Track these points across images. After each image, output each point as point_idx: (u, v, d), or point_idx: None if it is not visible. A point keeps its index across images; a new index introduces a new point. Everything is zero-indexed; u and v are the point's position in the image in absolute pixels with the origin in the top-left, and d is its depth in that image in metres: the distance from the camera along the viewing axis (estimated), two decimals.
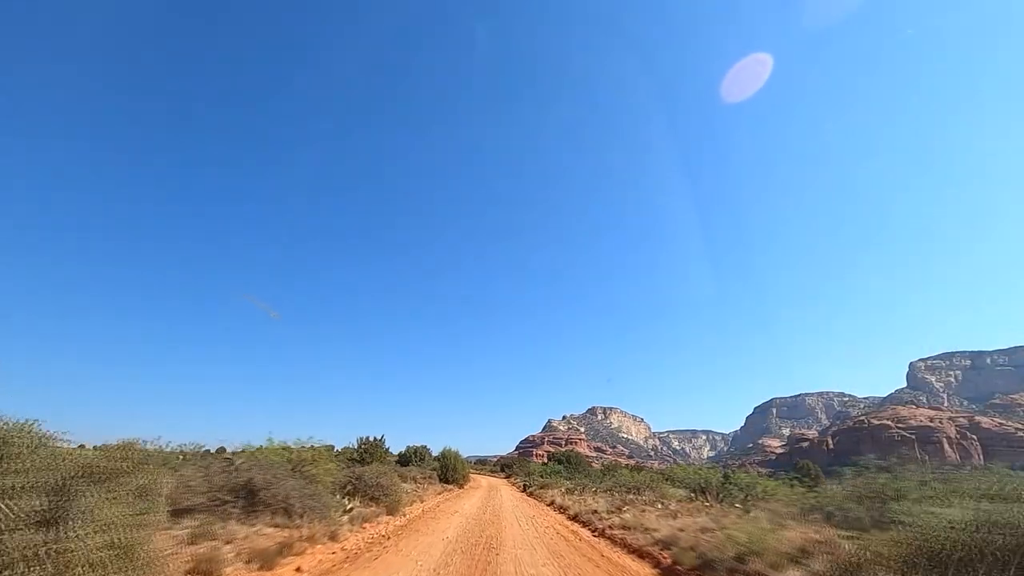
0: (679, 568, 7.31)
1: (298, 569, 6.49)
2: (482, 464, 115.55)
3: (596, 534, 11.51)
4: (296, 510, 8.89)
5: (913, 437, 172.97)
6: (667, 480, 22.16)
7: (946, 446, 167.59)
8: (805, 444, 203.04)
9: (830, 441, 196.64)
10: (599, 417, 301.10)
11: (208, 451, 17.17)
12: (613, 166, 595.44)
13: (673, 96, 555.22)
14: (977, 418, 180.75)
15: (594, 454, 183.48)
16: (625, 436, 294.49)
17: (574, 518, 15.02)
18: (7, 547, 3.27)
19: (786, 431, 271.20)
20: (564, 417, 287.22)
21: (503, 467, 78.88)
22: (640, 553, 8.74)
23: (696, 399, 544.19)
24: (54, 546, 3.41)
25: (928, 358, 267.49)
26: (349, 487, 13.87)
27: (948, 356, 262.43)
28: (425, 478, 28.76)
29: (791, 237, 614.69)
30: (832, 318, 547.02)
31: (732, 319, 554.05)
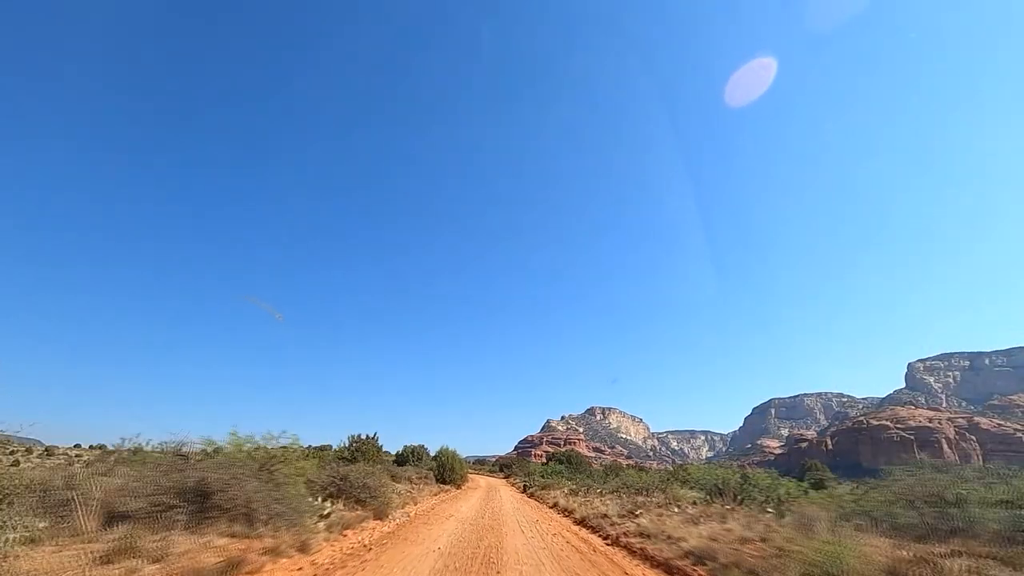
0: None
1: None
2: (481, 464, 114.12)
3: (609, 542, 10.13)
4: (260, 516, 7.47)
5: (912, 438, 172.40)
6: (677, 480, 20.79)
7: (945, 447, 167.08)
8: (804, 445, 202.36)
9: (829, 442, 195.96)
10: (598, 417, 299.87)
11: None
12: (613, 167, 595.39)
13: (673, 97, 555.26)
14: (976, 419, 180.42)
15: (593, 454, 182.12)
16: (624, 436, 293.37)
17: (581, 522, 13.65)
18: None
19: (785, 432, 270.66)
20: (563, 417, 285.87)
21: (502, 467, 77.51)
22: (668, 568, 7.36)
23: (695, 400, 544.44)
24: None
25: (927, 359, 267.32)
26: (333, 489, 12.45)
27: (947, 357, 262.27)
28: (421, 478, 27.37)
29: (790, 238, 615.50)
30: (831, 319, 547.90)
31: (731, 320, 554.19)
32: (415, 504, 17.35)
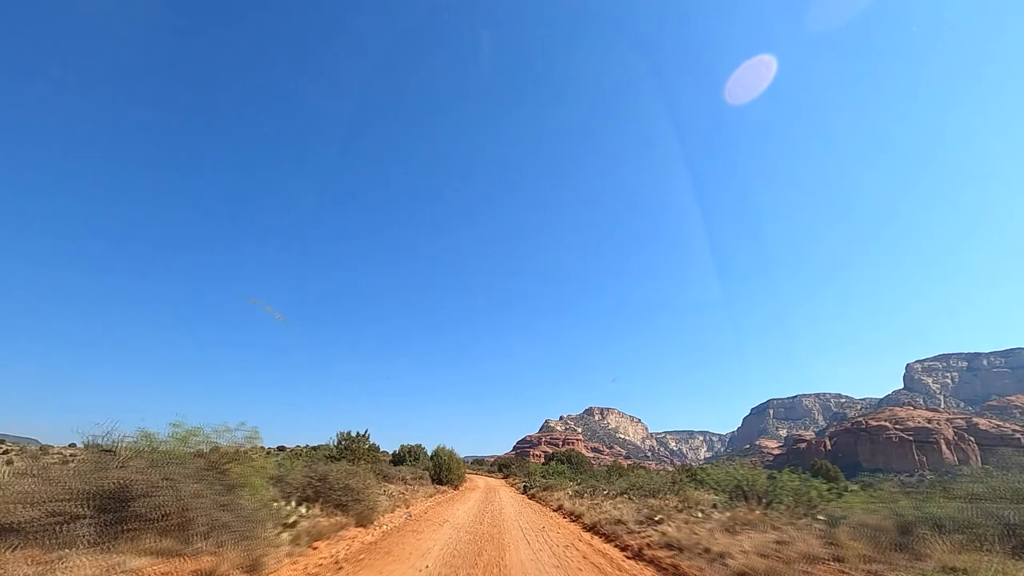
0: None
1: None
2: (479, 464, 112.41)
3: (631, 556, 8.58)
4: (198, 527, 5.88)
5: (911, 438, 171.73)
6: (691, 481, 19.26)
7: (944, 448, 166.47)
8: (803, 445, 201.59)
9: (828, 442, 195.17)
10: (596, 417, 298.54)
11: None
12: (615, 168, 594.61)
13: (675, 96, 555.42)
14: (975, 419, 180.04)
15: (591, 455, 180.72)
16: (622, 436, 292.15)
17: (592, 529, 12.10)
18: None
19: (783, 432, 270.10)
20: (561, 417, 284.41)
21: (500, 467, 75.94)
22: None
23: (693, 400, 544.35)
24: None
25: (924, 360, 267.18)
26: (310, 491, 10.84)
27: (945, 358, 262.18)
28: (416, 479, 25.81)
29: (789, 239, 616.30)
30: (829, 319, 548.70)
31: (730, 321, 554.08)
32: (407, 507, 15.76)
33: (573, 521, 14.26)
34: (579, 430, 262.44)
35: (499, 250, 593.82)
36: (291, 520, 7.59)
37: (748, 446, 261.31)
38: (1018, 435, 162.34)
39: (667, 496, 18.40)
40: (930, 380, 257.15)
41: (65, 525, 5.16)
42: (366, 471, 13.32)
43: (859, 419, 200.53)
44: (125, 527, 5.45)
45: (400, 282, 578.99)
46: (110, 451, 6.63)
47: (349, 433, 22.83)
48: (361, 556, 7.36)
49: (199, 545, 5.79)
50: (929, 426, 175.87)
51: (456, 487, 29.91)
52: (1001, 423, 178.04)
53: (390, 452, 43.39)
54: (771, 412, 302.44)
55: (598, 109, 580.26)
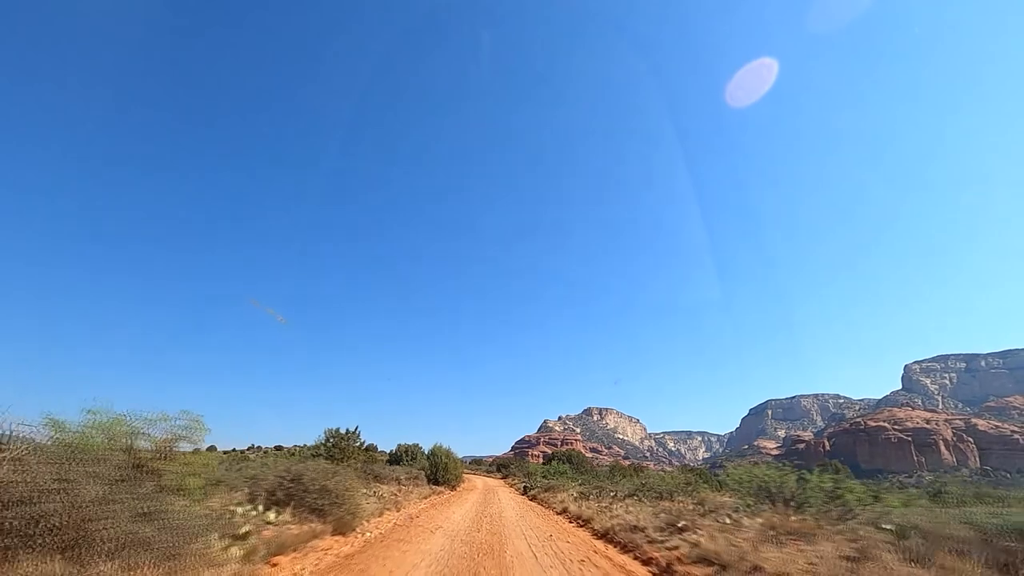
0: None
1: None
2: (477, 464, 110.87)
3: (660, 574, 7.15)
4: (102, 544, 4.42)
5: (909, 439, 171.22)
6: (706, 482, 17.87)
7: (943, 448, 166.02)
8: (801, 446, 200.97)
9: (827, 443, 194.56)
10: (595, 418, 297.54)
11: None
12: (615, 169, 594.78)
13: (676, 97, 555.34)
14: (973, 420, 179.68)
15: (590, 455, 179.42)
16: (621, 437, 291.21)
17: (605, 537, 10.67)
18: None
19: (781, 433, 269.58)
20: (560, 418, 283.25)
21: (499, 467, 74.51)
22: None
23: (691, 401, 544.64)
24: None
25: (923, 360, 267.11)
26: (281, 494, 9.38)
27: (943, 358, 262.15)
28: (411, 479, 24.37)
29: (788, 240, 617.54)
30: (828, 320, 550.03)
31: (729, 322, 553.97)
32: (397, 510, 14.30)
33: (581, 526, 12.84)
34: (577, 430, 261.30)
35: (498, 251, 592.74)
36: (244, 530, 6.10)
37: (746, 447, 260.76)
38: (1017, 436, 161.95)
39: (680, 498, 17.02)
40: (928, 381, 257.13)
41: None
42: (347, 470, 11.83)
43: (858, 419, 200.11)
44: None
45: (400, 283, 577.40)
46: None
47: (337, 430, 21.30)
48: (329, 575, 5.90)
49: (101, 568, 4.32)
50: (928, 427, 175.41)
51: (453, 488, 28.49)
52: (1000, 424, 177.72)
53: (388, 452, 42.08)
54: (769, 412, 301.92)
55: (598, 110, 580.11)
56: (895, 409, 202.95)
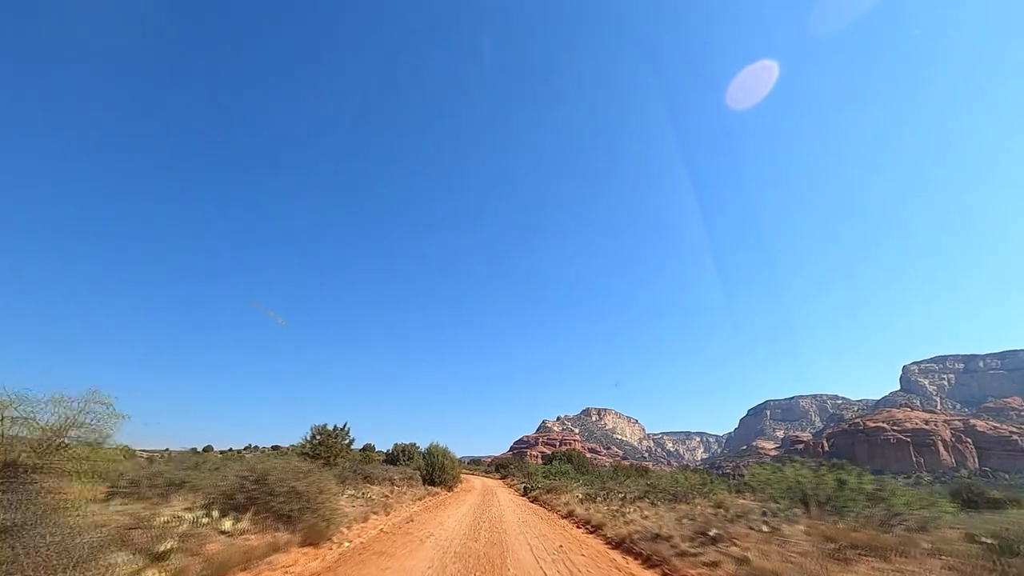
0: None
1: None
2: (476, 464, 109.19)
3: None
4: None
5: (908, 440, 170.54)
6: (723, 484, 16.49)
7: (941, 449, 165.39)
8: (800, 446, 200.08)
9: (826, 443, 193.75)
10: (593, 418, 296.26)
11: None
12: (617, 172, 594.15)
13: (677, 99, 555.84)
14: (972, 421, 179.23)
15: (588, 455, 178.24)
16: (619, 437, 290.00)
17: (622, 547, 9.27)
18: None
19: (780, 433, 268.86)
20: (558, 418, 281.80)
21: (498, 467, 73.06)
22: None
23: (690, 401, 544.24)
24: None
25: (921, 361, 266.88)
26: (241, 497, 7.93)
27: (941, 359, 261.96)
28: (406, 479, 22.93)
29: (788, 241, 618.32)
30: (827, 321, 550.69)
31: (729, 323, 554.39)
32: (386, 514, 12.87)
33: (591, 533, 11.43)
34: (576, 431, 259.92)
35: (498, 252, 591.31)
36: (166, 547, 4.64)
37: (745, 447, 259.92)
38: (1015, 436, 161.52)
39: (697, 500, 15.65)
40: (927, 382, 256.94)
41: None
42: (325, 470, 10.36)
43: (856, 420, 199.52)
44: None
45: (401, 284, 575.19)
46: None
47: (325, 426, 19.81)
48: None
49: None
50: (926, 428, 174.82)
51: (450, 488, 27.05)
52: (998, 425, 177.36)
53: (385, 453, 40.65)
54: (768, 413, 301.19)
55: (599, 112, 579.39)
56: (894, 410, 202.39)
